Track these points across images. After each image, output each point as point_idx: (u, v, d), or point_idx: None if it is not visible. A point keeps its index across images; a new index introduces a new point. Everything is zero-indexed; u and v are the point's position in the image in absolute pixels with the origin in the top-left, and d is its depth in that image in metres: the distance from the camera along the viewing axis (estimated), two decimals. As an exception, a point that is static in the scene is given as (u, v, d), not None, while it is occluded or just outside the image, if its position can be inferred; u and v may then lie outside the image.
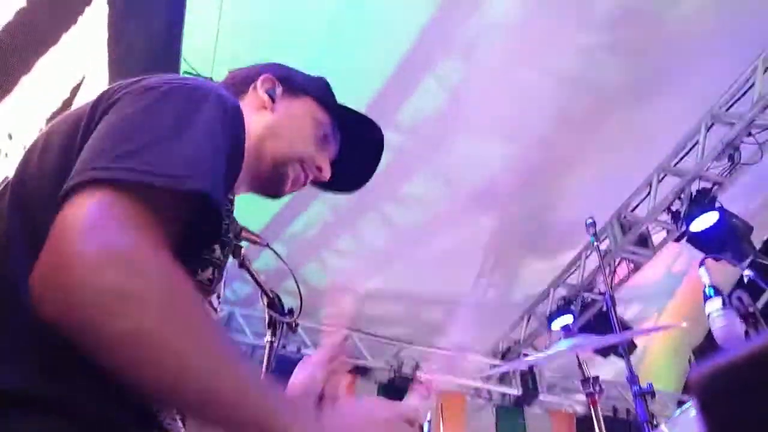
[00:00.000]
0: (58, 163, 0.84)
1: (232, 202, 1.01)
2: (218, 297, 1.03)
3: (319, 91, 1.27)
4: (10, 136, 1.47)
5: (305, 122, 1.21)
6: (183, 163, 0.77)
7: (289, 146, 1.17)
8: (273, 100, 1.20)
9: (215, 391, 0.67)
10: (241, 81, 1.22)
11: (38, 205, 0.81)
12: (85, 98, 1.87)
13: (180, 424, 0.89)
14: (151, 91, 0.85)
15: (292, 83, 1.24)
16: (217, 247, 0.94)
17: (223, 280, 1.02)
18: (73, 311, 0.64)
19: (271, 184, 1.19)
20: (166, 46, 3.04)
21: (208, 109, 0.85)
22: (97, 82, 2.02)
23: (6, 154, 1.45)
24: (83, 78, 1.90)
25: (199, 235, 0.84)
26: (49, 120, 1.66)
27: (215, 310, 1.02)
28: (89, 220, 0.68)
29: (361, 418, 0.82)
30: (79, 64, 1.86)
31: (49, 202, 0.78)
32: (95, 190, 0.71)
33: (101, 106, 0.86)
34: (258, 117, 1.16)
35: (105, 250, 0.66)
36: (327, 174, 1.24)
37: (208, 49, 3.75)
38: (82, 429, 0.71)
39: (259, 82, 1.21)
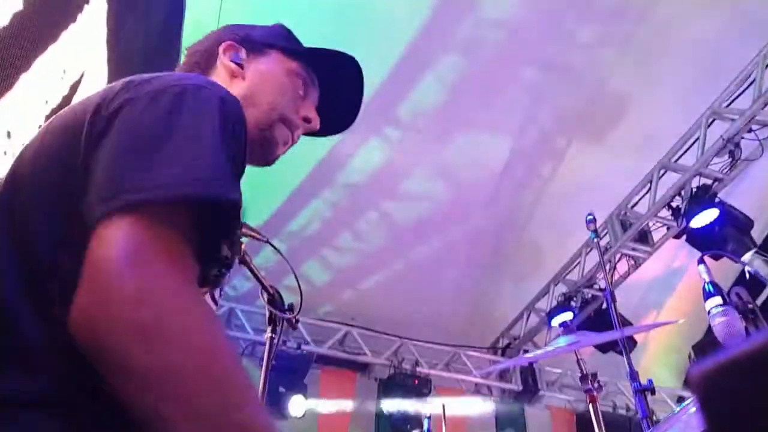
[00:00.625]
0: (55, 173, 0.83)
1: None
2: (220, 290, 1.03)
3: (282, 40, 1.23)
4: (9, 134, 1.46)
5: (279, 78, 1.17)
6: (204, 171, 0.78)
7: (269, 108, 1.13)
8: (241, 66, 1.16)
9: None
10: (204, 56, 1.18)
11: (28, 212, 0.81)
12: (84, 95, 1.87)
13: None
14: (156, 101, 0.84)
15: (254, 42, 1.20)
16: (224, 245, 0.93)
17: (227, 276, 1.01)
18: (104, 345, 0.67)
19: (261, 152, 1.16)
20: (166, 42, 3.03)
21: (211, 112, 0.85)
22: (96, 80, 2.02)
23: (5, 152, 1.44)
24: (82, 75, 1.90)
25: (213, 236, 0.85)
26: (48, 117, 1.66)
27: (215, 302, 1.02)
28: (123, 254, 0.69)
29: None
30: (78, 61, 1.86)
31: (41, 211, 0.79)
32: (125, 216, 0.72)
33: (102, 113, 0.83)
34: (232, 89, 1.09)
35: (139, 287, 0.68)
36: (316, 123, 1.21)
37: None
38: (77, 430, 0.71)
39: (221, 52, 1.17)
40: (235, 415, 0.68)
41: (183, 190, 0.75)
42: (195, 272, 0.77)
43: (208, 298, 0.98)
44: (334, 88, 1.27)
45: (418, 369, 6.18)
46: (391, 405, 5.89)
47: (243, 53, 1.17)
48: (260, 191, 4.57)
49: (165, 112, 0.82)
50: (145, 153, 0.77)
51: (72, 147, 0.82)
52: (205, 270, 0.90)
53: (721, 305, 1.95)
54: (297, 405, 5.49)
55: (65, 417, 0.71)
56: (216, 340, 0.72)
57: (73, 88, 1.84)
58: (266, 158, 1.17)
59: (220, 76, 1.15)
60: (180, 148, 0.78)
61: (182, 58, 1.24)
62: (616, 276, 5.72)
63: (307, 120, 1.19)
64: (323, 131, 1.28)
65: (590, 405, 2.25)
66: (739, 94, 4.75)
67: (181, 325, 0.69)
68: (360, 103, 1.35)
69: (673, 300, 6.77)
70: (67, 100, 1.78)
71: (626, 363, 2.25)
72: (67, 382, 0.72)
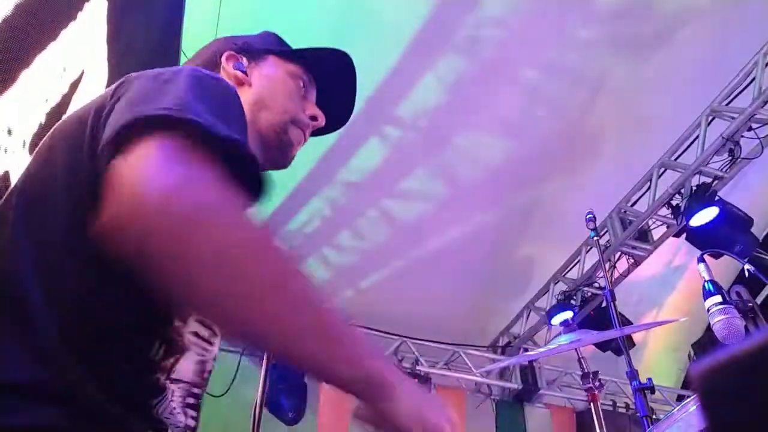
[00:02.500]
0: (64, 163, 0.85)
1: None
2: None
3: (276, 45, 1.27)
4: (9, 132, 1.47)
5: (283, 80, 1.21)
6: (196, 110, 0.78)
7: (281, 111, 1.18)
8: (245, 73, 1.20)
9: (304, 310, 0.70)
10: (206, 67, 1.19)
11: (44, 207, 0.82)
12: (84, 94, 1.87)
13: (182, 416, 0.90)
14: (155, 77, 0.87)
15: (252, 49, 1.24)
16: None
17: None
18: (157, 236, 0.65)
19: (279, 154, 1.20)
20: (166, 41, 3.03)
21: (220, 92, 0.88)
22: (96, 78, 2.02)
23: (5, 150, 1.45)
24: (82, 73, 1.90)
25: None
26: (48, 115, 1.66)
27: None
28: (150, 158, 0.69)
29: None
30: (78, 59, 1.86)
31: (56, 203, 0.79)
32: (144, 135, 0.72)
33: (110, 101, 0.86)
34: (241, 96, 1.15)
35: (175, 177, 0.68)
36: (322, 120, 1.25)
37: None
38: (81, 420, 0.71)
39: (223, 62, 1.21)
40: (294, 284, 0.70)
41: (186, 114, 0.74)
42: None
43: None
44: (330, 84, 1.30)
45: (418, 368, 6.18)
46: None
47: (244, 61, 1.21)
48: (260, 190, 4.56)
49: (163, 81, 0.85)
50: (145, 99, 0.79)
51: (78, 140, 0.85)
52: None
53: (720, 304, 1.95)
54: None
55: (68, 407, 0.71)
56: (253, 222, 0.73)
57: (73, 87, 1.84)
58: (284, 160, 1.22)
59: None
60: (176, 94, 0.79)
61: (182, 60, 1.27)
62: (616, 274, 5.72)
63: (313, 118, 1.23)
64: (324, 129, 1.32)
65: (591, 403, 2.25)
66: (739, 93, 4.75)
67: (226, 208, 0.69)
68: (354, 97, 1.38)
69: (674, 298, 6.77)
70: (67, 98, 1.78)
71: (626, 362, 2.25)
72: (72, 373, 0.72)
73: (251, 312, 0.68)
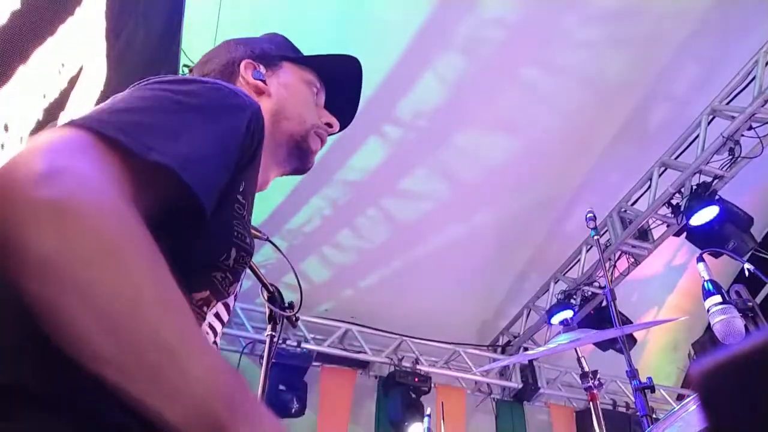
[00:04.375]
0: None
1: (243, 205, 0.93)
2: (235, 297, 1.02)
3: (287, 50, 1.29)
4: (6, 128, 1.46)
5: (300, 89, 1.23)
6: (164, 138, 0.74)
7: (300, 120, 1.20)
8: (264, 82, 1.21)
9: (148, 342, 0.60)
10: (224, 73, 1.21)
11: None
12: (82, 90, 1.86)
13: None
14: (166, 82, 0.86)
15: (267, 57, 1.24)
16: (233, 252, 0.90)
17: (239, 283, 1.00)
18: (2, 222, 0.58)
19: (300, 161, 1.22)
20: (166, 38, 3.03)
21: (218, 100, 0.87)
22: (95, 73, 2.02)
23: (2, 146, 1.44)
24: (81, 69, 1.89)
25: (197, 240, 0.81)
26: (46, 111, 1.65)
27: (229, 311, 1.01)
28: (48, 144, 0.64)
29: None
30: (76, 55, 1.85)
31: None
32: (67, 129, 0.68)
33: None
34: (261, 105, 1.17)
35: (53, 166, 0.61)
36: (336, 126, 1.28)
37: (207, 43, 3.75)
38: (80, 427, 0.70)
39: (242, 71, 1.21)
40: (147, 315, 0.60)
41: (111, 131, 0.69)
42: (126, 194, 0.67)
43: (221, 307, 0.97)
44: (337, 88, 1.32)
45: (418, 367, 6.18)
46: (391, 403, 5.89)
47: (262, 69, 1.22)
48: (260, 189, 4.56)
49: (165, 87, 0.83)
50: (117, 109, 0.76)
51: None
52: (208, 275, 0.89)
53: (720, 304, 1.95)
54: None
55: (61, 412, 0.69)
56: (133, 228, 0.64)
57: (72, 82, 1.83)
58: (304, 166, 1.24)
59: None
60: (154, 111, 0.76)
61: (181, 59, 1.27)
62: (616, 273, 5.72)
63: (329, 125, 1.26)
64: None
65: (591, 402, 2.25)
66: (740, 92, 4.75)
67: (95, 207, 0.61)
68: (359, 100, 1.40)
69: (674, 297, 6.78)
70: (65, 94, 1.77)
71: (626, 361, 2.25)
72: (42, 372, 0.70)
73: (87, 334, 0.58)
